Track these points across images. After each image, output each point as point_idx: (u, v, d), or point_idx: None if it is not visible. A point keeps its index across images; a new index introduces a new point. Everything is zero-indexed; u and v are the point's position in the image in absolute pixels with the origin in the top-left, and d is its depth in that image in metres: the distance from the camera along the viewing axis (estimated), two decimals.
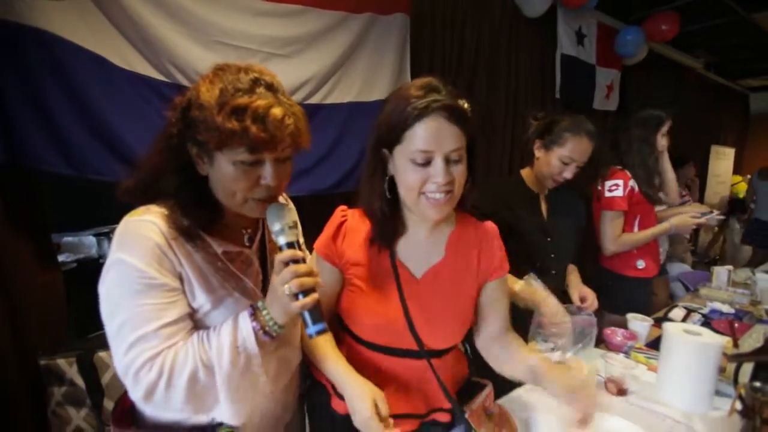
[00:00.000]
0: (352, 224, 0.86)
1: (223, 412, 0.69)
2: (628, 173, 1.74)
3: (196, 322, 0.71)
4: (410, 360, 0.85)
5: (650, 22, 3.23)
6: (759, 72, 5.15)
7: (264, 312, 0.68)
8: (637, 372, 1.21)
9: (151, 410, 0.74)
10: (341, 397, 0.81)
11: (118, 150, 1.37)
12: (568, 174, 1.34)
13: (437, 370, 0.85)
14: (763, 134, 6.22)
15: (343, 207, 0.90)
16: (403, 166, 0.75)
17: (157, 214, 0.69)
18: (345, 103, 1.87)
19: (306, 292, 0.64)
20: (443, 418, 0.88)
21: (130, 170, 0.74)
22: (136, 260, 0.65)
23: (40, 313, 1.31)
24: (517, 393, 1.11)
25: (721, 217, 1.93)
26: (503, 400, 1.07)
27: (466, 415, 0.83)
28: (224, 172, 0.67)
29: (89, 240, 1.71)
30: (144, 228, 0.67)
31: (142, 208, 0.70)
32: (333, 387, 0.86)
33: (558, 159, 1.33)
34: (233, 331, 0.68)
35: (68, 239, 1.69)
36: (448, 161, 0.73)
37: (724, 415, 0.99)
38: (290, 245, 0.67)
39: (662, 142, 1.77)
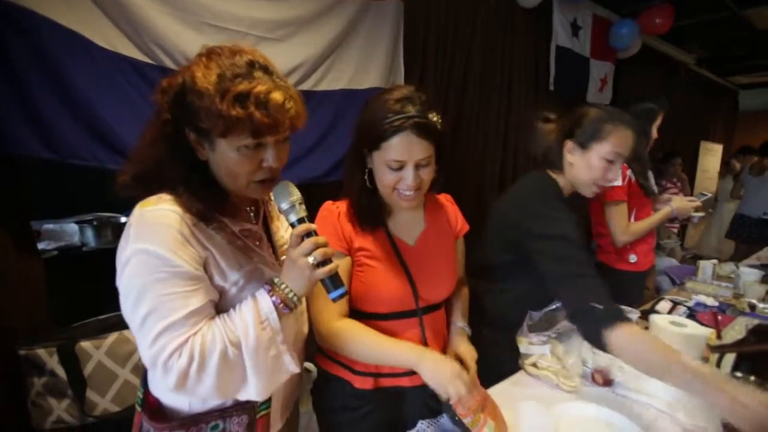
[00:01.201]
0: (345, 215, 0.95)
1: (250, 390, 0.70)
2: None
3: (231, 299, 0.73)
4: (407, 319, 0.97)
5: (645, 16, 3.23)
6: (749, 69, 5.20)
7: (282, 286, 0.71)
8: (623, 362, 1.22)
9: (177, 400, 0.75)
10: (368, 374, 0.95)
11: (102, 134, 1.33)
12: (613, 174, 1.12)
13: (432, 323, 1.00)
14: (750, 131, 6.30)
15: (329, 202, 0.98)
16: (380, 168, 0.88)
17: (172, 201, 0.68)
18: (337, 90, 1.83)
19: (326, 260, 0.70)
20: None
21: (122, 164, 0.72)
22: (159, 248, 0.64)
23: (19, 301, 1.28)
24: (501, 386, 1.11)
25: (711, 195, 2.09)
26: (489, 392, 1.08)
27: (451, 402, 0.84)
28: (227, 158, 0.68)
29: (71, 227, 1.66)
30: (164, 217, 0.66)
31: (153, 198, 0.69)
32: (353, 371, 0.96)
33: (601, 158, 1.10)
34: (255, 309, 0.70)
35: (49, 226, 1.64)
36: (417, 166, 0.86)
37: (706, 404, 1.00)
38: (301, 221, 0.72)
39: (654, 134, 1.78)
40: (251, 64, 0.66)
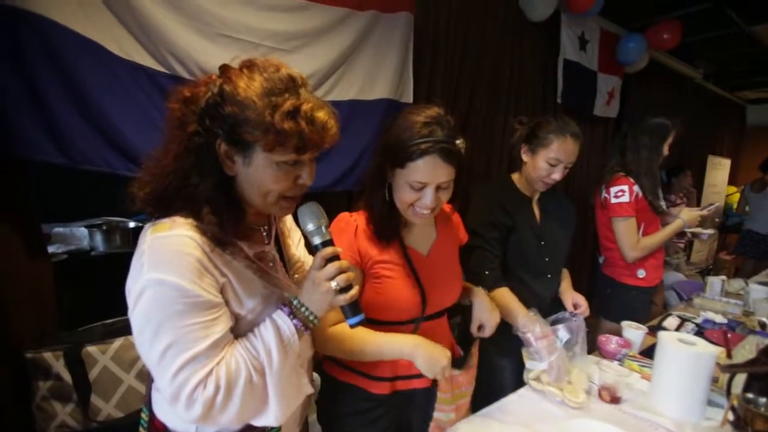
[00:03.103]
0: (362, 228, 0.97)
1: (269, 415, 0.70)
2: (632, 179, 1.74)
3: (248, 324, 0.71)
4: (406, 326, 0.99)
5: (652, 31, 3.24)
6: (757, 84, 5.20)
7: (302, 309, 0.71)
8: (631, 380, 1.20)
9: (184, 426, 0.72)
10: (386, 379, 0.98)
11: (113, 141, 1.35)
12: (556, 175, 1.34)
13: (430, 331, 1.00)
14: (758, 146, 6.25)
15: (346, 213, 1.00)
16: (400, 186, 0.91)
17: (187, 226, 0.65)
18: (346, 101, 1.85)
19: (348, 286, 0.70)
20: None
21: (134, 170, 0.70)
22: (177, 278, 0.61)
23: (28, 304, 1.29)
24: (507, 400, 1.11)
25: (719, 203, 2.09)
26: (491, 408, 1.08)
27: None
28: (263, 173, 0.66)
29: (81, 231, 1.68)
30: (180, 244, 0.63)
31: (166, 222, 0.65)
32: (369, 377, 0.97)
33: (545, 161, 1.33)
34: (276, 332, 0.69)
35: (59, 230, 1.66)
36: (438, 188, 0.90)
37: (716, 425, 0.99)
38: (325, 243, 0.72)
39: (666, 151, 1.78)
40: (293, 80, 0.66)
